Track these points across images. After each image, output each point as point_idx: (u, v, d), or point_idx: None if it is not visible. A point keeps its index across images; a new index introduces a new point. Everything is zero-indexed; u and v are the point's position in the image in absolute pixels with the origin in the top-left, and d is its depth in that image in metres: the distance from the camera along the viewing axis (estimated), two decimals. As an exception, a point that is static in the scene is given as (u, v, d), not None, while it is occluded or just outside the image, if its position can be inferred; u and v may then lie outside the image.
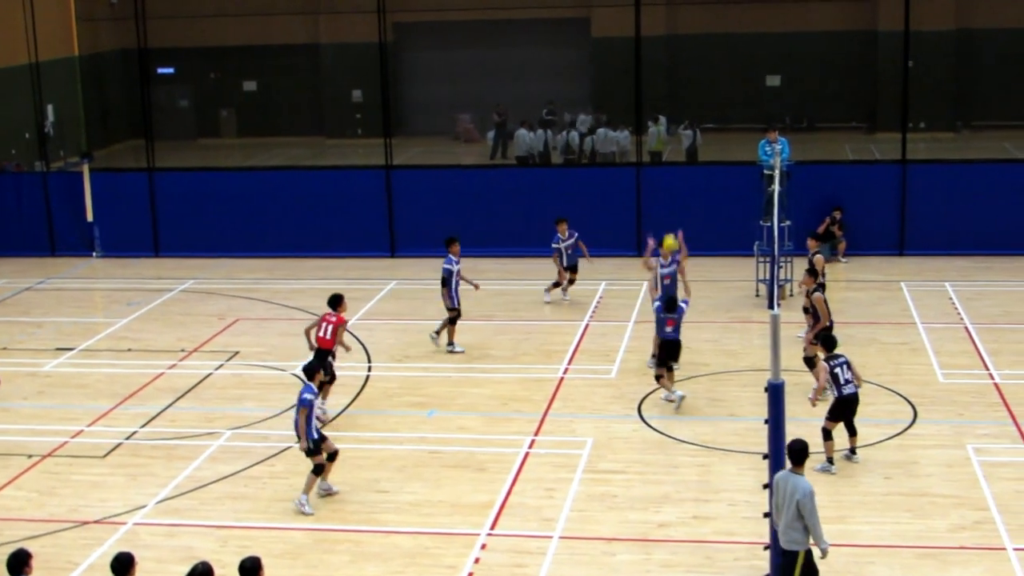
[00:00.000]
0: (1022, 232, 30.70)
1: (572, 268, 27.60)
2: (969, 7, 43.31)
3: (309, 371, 17.96)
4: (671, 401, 20.79)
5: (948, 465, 18.31)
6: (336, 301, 20.97)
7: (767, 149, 27.99)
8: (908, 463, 18.40)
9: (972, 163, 33.30)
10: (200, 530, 16.89)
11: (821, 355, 18.80)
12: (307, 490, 17.48)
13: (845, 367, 18.17)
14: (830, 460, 18.14)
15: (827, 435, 18.19)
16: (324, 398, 20.65)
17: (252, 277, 30.93)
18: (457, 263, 24.50)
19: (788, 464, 13.81)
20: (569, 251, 27.40)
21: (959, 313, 26.08)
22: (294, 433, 17.88)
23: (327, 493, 17.81)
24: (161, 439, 20.16)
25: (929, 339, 24.30)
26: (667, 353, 20.83)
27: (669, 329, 20.83)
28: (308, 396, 17.42)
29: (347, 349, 21.48)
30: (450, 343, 24.41)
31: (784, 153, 27.60)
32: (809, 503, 13.54)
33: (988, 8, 42.78)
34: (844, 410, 18.21)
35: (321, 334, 20.56)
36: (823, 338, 18.88)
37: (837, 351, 18.49)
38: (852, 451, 18.44)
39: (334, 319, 20.70)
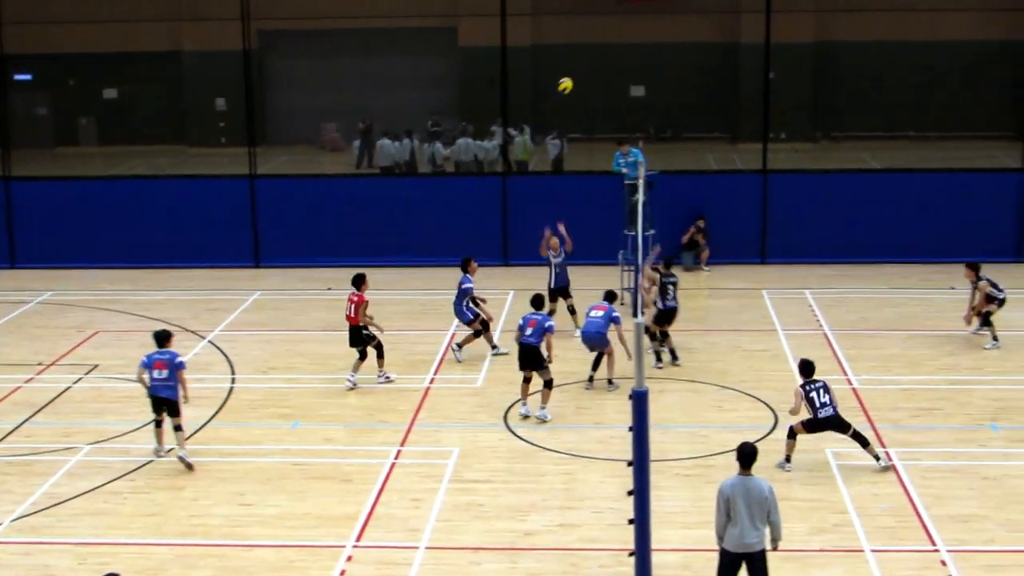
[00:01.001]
0: (880, 240, 31.40)
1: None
2: (828, 21, 44.10)
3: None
4: (527, 416, 20.91)
5: (808, 469, 18.61)
6: (358, 281, 22.68)
7: (620, 161, 28.25)
8: (769, 468, 18.61)
9: (831, 173, 33.92)
10: (58, 548, 16.52)
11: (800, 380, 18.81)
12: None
13: (822, 391, 18.37)
14: (787, 459, 18.68)
15: (791, 434, 18.68)
16: (381, 368, 22.78)
17: (113, 288, 30.42)
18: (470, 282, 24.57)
19: (737, 469, 14.02)
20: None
21: (819, 320, 26.56)
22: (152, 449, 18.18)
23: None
24: (17, 455, 19.71)
25: (789, 346, 24.69)
26: (523, 360, 20.99)
27: (529, 331, 20.91)
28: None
29: (378, 328, 22.85)
30: (493, 347, 24.40)
31: (642, 163, 27.90)
32: (774, 498, 13.88)
33: (846, 22, 43.60)
34: (820, 429, 18.48)
35: (347, 312, 22.62)
36: (802, 363, 18.79)
37: (816, 376, 18.62)
38: (876, 458, 18.60)
39: (356, 298, 22.43)
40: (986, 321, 24.29)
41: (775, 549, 14.07)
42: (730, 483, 13.87)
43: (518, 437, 20.14)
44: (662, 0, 44.03)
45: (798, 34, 42.68)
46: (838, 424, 18.46)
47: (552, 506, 17.58)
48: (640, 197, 22.58)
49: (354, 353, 22.64)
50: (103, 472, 18.90)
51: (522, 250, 31.40)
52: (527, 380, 20.97)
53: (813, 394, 18.29)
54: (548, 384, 20.77)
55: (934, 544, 16.23)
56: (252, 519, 17.29)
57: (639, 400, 13.84)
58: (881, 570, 15.58)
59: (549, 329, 20.99)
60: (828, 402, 18.32)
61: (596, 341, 21.90)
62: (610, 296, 22.58)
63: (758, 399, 21.68)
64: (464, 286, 24.24)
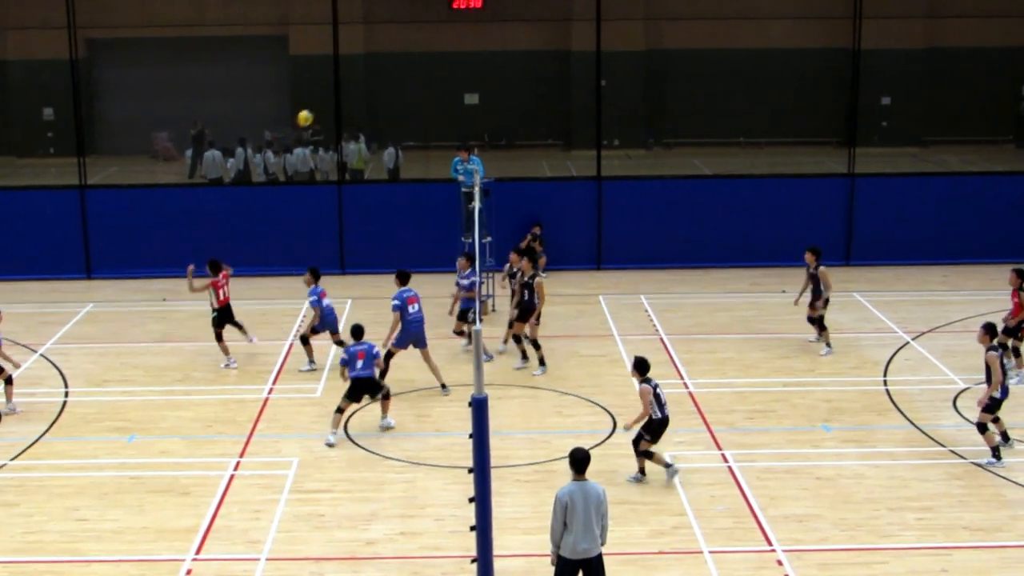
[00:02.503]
0: (712, 246, 31.96)
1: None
2: (658, 29, 44.74)
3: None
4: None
5: (646, 473, 18.85)
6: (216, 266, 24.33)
7: (459, 167, 28.36)
8: (608, 472, 18.84)
9: (664, 179, 34.45)
10: None
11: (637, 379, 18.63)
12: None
13: (661, 390, 18.42)
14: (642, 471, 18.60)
15: (648, 453, 18.49)
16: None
17: (-62, 302, 29.55)
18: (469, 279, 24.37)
19: (572, 475, 13.99)
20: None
21: (654, 325, 26.94)
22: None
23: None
24: None
25: (626, 350, 24.99)
26: (358, 392, 20.55)
27: (360, 364, 20.38)
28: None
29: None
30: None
31: (480, 171, 28.02)
32: (607, 500, 13.97)
33: (676, 30, 44.27)
34: (662, 431, 18.42)
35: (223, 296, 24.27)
36: (638, 361, 18.58)
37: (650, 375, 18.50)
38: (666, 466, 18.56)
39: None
40: (821, 327, 24.70)
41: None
42: (567, 490, 13.89)
43: (358, 446, 20.07)
44: (494, 8, 44.24)
45: (629, 42, 43.24)
46: (662, 429, 18.45)
47: (394, 514, 17.56)
48: (477, 204, 22.68)
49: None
50: (-69, 491, 18.38)
51: (358, 259, 31.34)
52: (341, 411, 20.38)
53: (658, 390, 18.31)
54: (387, 395, 20.73)
55: (770, 544, 16.59)
56: (88, 534, 16.96)
57: (479, 407, 13.89)
58: (719, 571, 15.87)
59: (376, 355, 20.61)
60: (666, 402, 18.41)
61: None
62: None
63: (597, 404, 21.92)
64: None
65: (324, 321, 23.80)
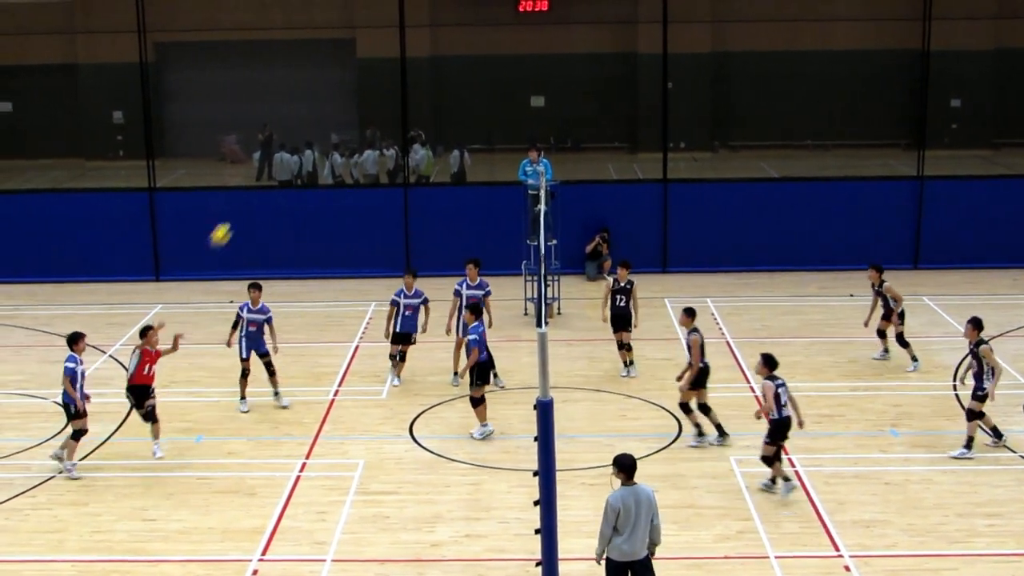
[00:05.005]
0: (779, 248, 31.77)
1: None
2: (724, 31, 44.53)
3: None
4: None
5: (712, 477, 18.77)
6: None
7: (527, 168, 28.34)
8: (674, 476, 18.79)
9: (730, 182, 34.29)
10: (-44, 567, 16.24)
11: (761, 376, 18.54)
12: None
13: (785, 390, 17.99)
14: (774, 480, 18.14)
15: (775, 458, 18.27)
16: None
17: (11, 303, 29.92)
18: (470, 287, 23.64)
19: (620, 481, 13.97)
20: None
21: (720, 328, 26.79)
22: (56, 461, 18.14)
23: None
24: (-87, 474, 19.32)
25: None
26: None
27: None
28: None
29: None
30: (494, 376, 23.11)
31: (547, 173, 28.01)
32: (656, 503, 13.99)
33: (742, 32, 44.03)
34: (782, 434, 18.02)
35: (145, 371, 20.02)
36: (766, 357, 18.18)
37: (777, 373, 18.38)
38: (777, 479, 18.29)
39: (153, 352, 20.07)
40: (903, 343, 23.82)
41: (653, 554, 14.03)
42: (619, 495, 13.85)
43: (424, 448, 20.11)
44: (560, 11, 44.20)
45: (695, 44, 43.04)
46: (786, 430, 18.05)
47: (458, 517, 17.57)
48: (542, 207, 22.66)
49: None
50: (3, 489, 18.58)
51: (424, 262, 31.34)
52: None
53: (780, 390, 17.90)
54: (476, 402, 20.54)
55: (837, 550, 16.44)
56: (156, 534, 17.09)
57: (544, 410, 13.85)
58: None
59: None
60: (786, 403, 18.02)
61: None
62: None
63: (662, 407, 21.83)
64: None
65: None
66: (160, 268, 31.95)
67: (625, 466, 14.00)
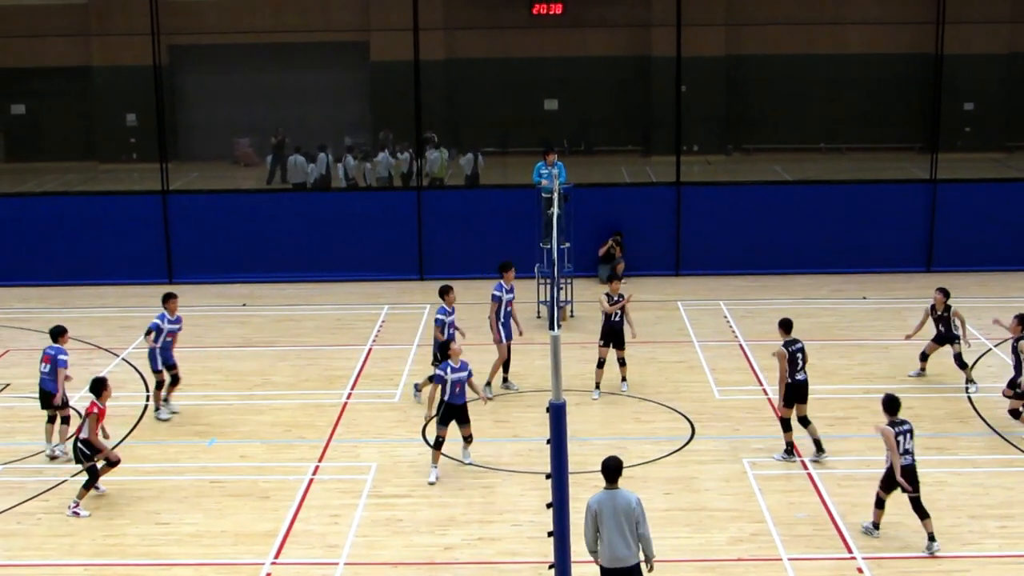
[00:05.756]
0: (792, 251, 31.74)
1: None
2: (738, 35, 44.48)
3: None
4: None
5: (725, 479, 18.77)
6: (98, 386, 18.58)
7: (543, 171, 28.33)
8: (687, 478, 18.79)
9: (743, 185, 34.26)
10: (-30, 569, 16.29)
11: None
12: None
13: (908, 436, 16.57)
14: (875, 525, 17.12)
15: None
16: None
17: (24, 306, 29.99)
18: (510, 293, 22.78)
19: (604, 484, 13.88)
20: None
21: (733, 331, 26.78)
22: (75, 455, 18.19)
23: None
24: (-73, 476, 19.38)
25: (705, 357, 24.88)
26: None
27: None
28: None
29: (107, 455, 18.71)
30: (504, 380, 23.08)
31: (561, 176, 27.99)
32: (643, 510, 13.75)
33: (756, 35, 44.01)
34: (894, 484, 16.70)
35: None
36: (888, 400, 16.84)
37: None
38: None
39: (93, 408, 18.36)
40: (961, 363, 23.16)
41: (650, 568, 13.91)
42: (597, 498, 13.83)
43: (436, 451, 20.09)
44: (574, 14, 44.20)
45: (709, 47, 42.96)
46: (912, 476, 16.63)
47: (471, 520, 17.58)
48: (556, 210, 22.65)
49: None
50: (16, 493, 18.63)
51: (438, 265, 31.38)
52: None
53: (900, 437, 16.58)
54: (468, 439, 19.68)
55: (850, 552, 16.44)
56: (168, 538, 17.12)
57: (557, 413, 13.85)
58: (798, 578, 15.76)
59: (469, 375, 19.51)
60: (910, 449, 16.61)
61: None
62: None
63: (675, 410, 21.82)
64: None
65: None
66: (173, 271, 31.99)
67: (606, 468, 13.92)
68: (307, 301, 29.75)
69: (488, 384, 22.56)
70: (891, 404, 16.73)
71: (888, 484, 16.74)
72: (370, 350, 25.78)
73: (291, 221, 32.04)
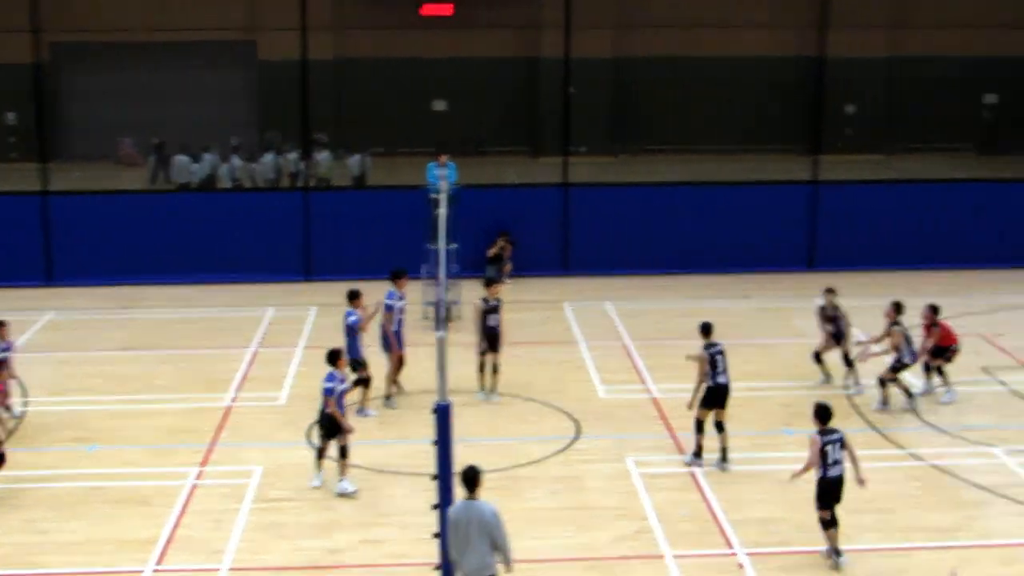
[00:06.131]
0: (678, 251, 32.01)
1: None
2: (627, 37, 44.84)
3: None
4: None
5: (610, 478, 18.88)
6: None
7: (436, 172, 28.33)
8: (572, 478, 18.87)
9: (630, 186, 34.50)
10: None
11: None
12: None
13: (838, 445, 15.99)
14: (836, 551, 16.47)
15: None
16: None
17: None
18: (402, 300, 22.32)
19: (463, 494, 13.74)
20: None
21: (619, 331, 26.94)
22: None
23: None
24: None
25: (591, 356, 25.01)
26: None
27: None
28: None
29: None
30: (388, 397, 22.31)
31: (452, 177, 28.06)
32: (498, 522, 13.60)
33: (642, 38, 44.38)
34: (830, 494, 16.15)
35: None
36: (820, 408, 16.25)
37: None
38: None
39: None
40: (848, 362, 23.48)
41: (508, 570, 13.80)
42: (455, 508, 13.70)
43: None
44: (463, 15, 44.25)
45: (597, 50, 43.29)
46: (838, 488, 16.14)
47: (357, 523, 17.49)
48: (443, 210, 22.64)
49: None
50: None
51: (325, 266, 31.19)
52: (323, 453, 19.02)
53: (829, 447, 16.04)
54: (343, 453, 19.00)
55: (732, 547, 16.61)
56: (47, 546, 16.81)
57: (442, 414, 13.87)
58: (682, 575, 15.87)
59: (327, 392, 18.61)
60: (840, 460, 16.05)
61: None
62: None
63: (561, 410, 21.90)
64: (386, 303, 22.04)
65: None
66: (53, 272, 31.43)
67: (464, 479, 13.70)
68: (191, 303, 29.43)
69: (388, 397, 22.19)
70: (822, 413, 16.15)
71: (824, 499, 16.07)
72: (255, 352, 25.56)
73: (175, 222, 31.64)
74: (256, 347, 25.90)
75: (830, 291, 23.57)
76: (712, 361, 19.14)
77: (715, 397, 19.17)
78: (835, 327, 23.42)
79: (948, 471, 19.13)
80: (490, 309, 22.56)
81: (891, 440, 20.42)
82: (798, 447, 19.90)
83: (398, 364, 22.36)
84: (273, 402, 22.59)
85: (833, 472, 15.95)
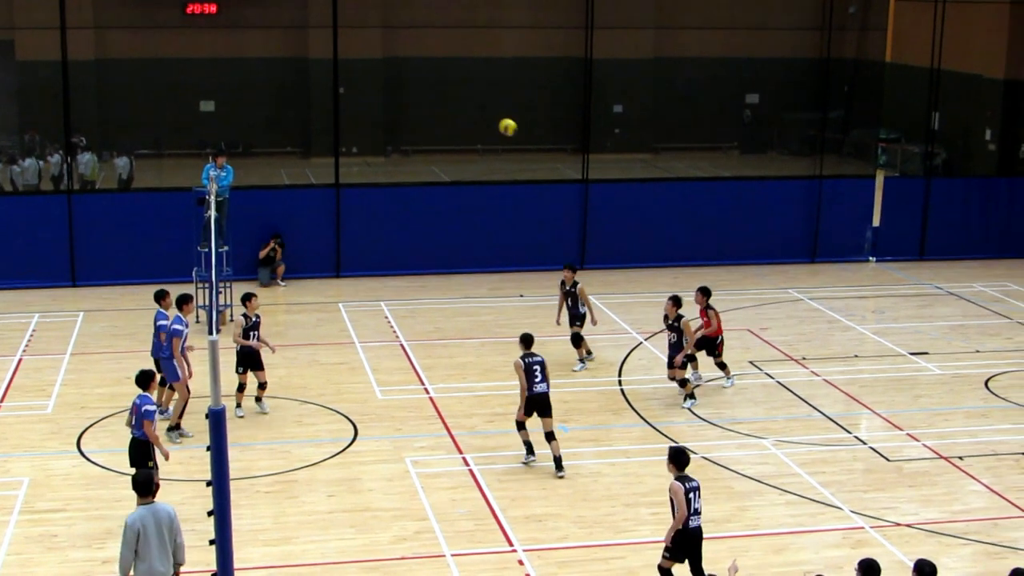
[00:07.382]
0: (451, 251, 32.12)
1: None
2: (396, 37, 44.88)
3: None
4: None
5: (388, 479, 18.89)
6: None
7: (211, 173, 27.89)
8: (350, 480, 18.83)
9: (402, 186, 34.54)
10: None
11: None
12: None
13: (697, 493, 14.69)
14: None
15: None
16: None
17: None
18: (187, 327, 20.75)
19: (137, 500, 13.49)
20: None
21: (395, 331, 26.97)
22: None
23: None
24: None
25: (367, 358, 24.97)
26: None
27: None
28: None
29: None
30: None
31: (227, 180, 27.69)
32: (178, 523, 13.53)
33: (413, 38, 44.49)
34: (689, 546, 14.80)
35: None
36: (675, 453, 14.97)
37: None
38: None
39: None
40: (576, 342, 24.33)
41: (177, 574, 13.77)
42: (137, 515, 13.41)
43: (93, 463, 19.51)
44: (229, 14, 43.68)
45: (366, 50, 43.23)
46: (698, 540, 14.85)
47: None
48: (212, 213, 22.33)
49: None
50: None
51: (92, 271, 30.40)
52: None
53: (691, 495, 14.71)
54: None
55: (511, 544, 16.80)
56: None
57: (216, 419, 13.66)
58: (462, 573, 16.00)
59: (148, 415, 17.50)
60: (699, 509, 14.79)
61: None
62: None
63: (338, 412, 21.83)
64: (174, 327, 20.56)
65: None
66: None
67: (137, 484, 13.51)
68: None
69: (177, 427, 20.97)
70: (679, 457, 14.90)
71: (676, 552, 14.81)
72: (20, 360, 24.80)
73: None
74: (21, 354, 25.12)
75: (569, 267, 24.45)
76: (529, 371, 18.91)
77: (536, 406, 19.01)
78: (572, 304, 24.22)
79: (720, 463, 19.67)
80: (252, 326, 21.81)
81: (665, 434, 20.88)
82: (575, 443, 20.40)
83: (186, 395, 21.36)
84: (41, 411, 21.94)
85: (694, 523, 14.67)
